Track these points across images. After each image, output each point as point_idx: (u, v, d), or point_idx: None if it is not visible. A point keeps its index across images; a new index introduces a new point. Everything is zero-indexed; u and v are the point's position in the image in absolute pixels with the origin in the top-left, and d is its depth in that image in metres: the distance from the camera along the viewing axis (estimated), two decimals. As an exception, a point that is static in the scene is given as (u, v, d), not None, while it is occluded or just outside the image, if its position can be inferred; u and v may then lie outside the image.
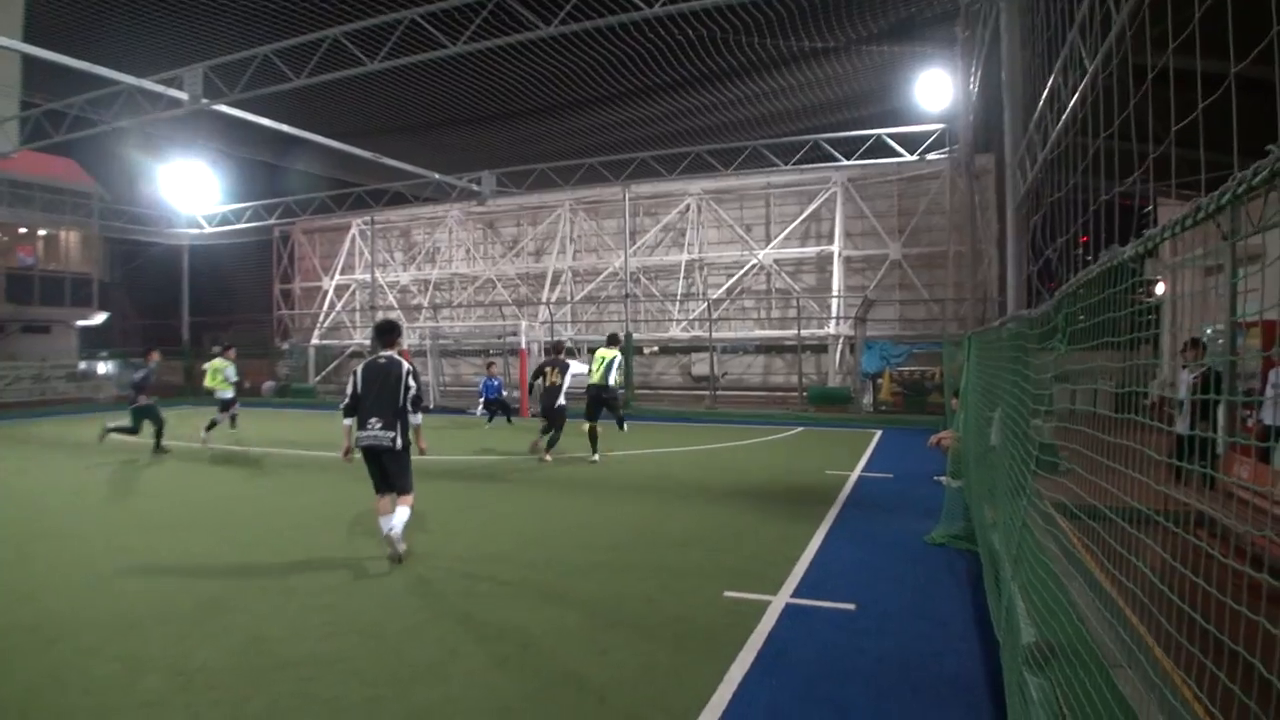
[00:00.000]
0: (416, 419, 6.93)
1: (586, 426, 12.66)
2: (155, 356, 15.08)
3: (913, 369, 19.91)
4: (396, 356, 7.01)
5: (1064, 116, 6.33)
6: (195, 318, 30.53)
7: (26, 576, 6.51)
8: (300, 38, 13.84)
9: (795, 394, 21.97)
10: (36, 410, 23.83)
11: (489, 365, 20.19)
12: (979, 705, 4.13)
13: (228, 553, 7.24)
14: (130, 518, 8.86)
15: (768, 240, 24.57)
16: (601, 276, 26.55)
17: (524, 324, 21.98)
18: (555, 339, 18.31)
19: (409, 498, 6.96)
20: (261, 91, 14.65)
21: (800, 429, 17.13)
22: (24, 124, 19.10)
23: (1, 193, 26.40)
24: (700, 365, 24.66)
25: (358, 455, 6.90)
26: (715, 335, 23.37)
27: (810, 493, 9.90)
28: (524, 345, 20.85)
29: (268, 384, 29.46)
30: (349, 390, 6.90)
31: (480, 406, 18.96)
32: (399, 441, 6.78)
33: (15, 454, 14.65)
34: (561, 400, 12.54)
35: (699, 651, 4.78)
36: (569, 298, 27.11)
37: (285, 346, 31.45)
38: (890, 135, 19.25)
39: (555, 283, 27.31)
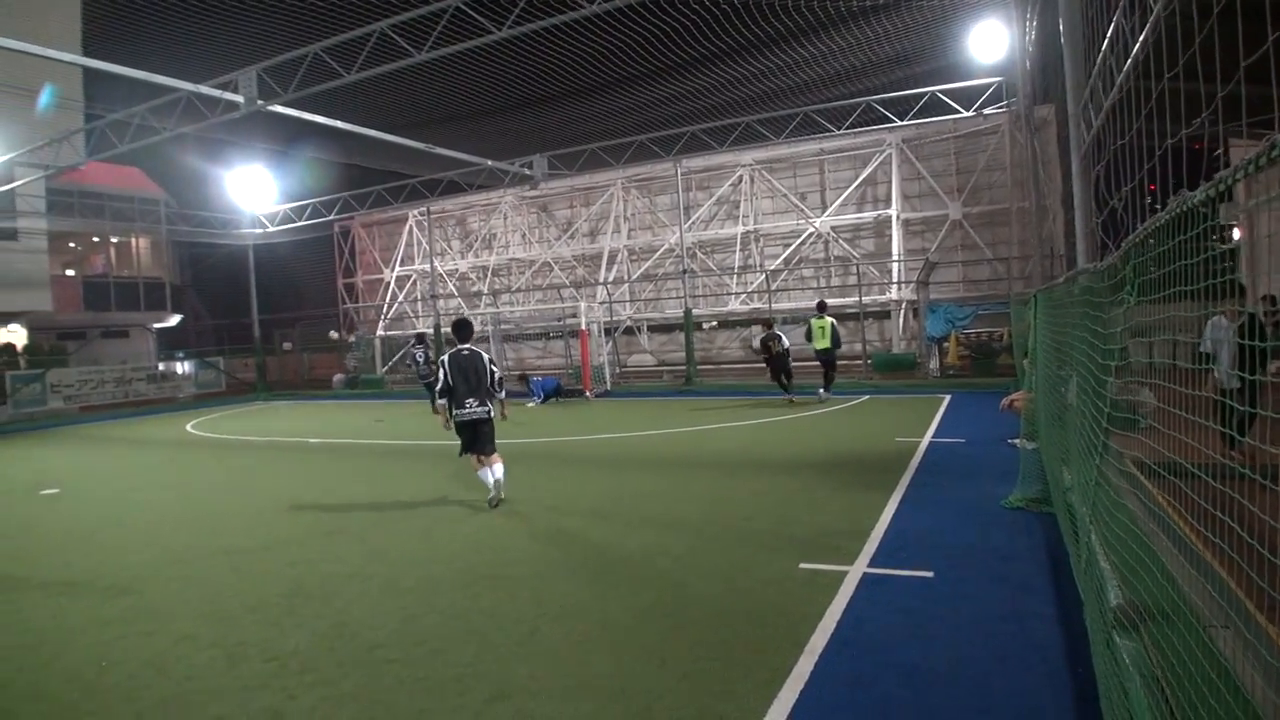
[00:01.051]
0: (501, 394, 8.94)
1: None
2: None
3: (979, 331, 19.48)
4: (475, 348, 8.76)
5: (1129, 60, 6.08)
6: (264, 315, 31.34)
7: (121, 569, 6.81)
8: (348, 34, 13.99)
9: (859, 362, 21.70)
10: (123, 411, 24.82)
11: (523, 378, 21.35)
12: (1062, 670, 4.07)
13: (309, 541, 7.48)
14: (213, 509, 9.19)
15: (823, 208, 24.22)
16: (658, 254, 26.50)
17: (583, 305, 22.07)
18: (766, 318, 18.85)
19: (497, 455, 8.83)
20: (314, 90, 14.86)
21: (866, 397, 16.93)
22: (90, 136, 19.73)
23: (73, 204, 27.37)
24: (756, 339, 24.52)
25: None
26: (774, 306, 23.16)
27: (881, 460, 9.79)
28: (584, 326, 20.94)
29: (337, 377, 30.16)
30: (442, 378, 8.61)
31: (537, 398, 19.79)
32: (490, 414, 8.70)
33: (105, 452, 15.27)
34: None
35: (778, 624, 4.79)
36: (626, 276, 27.14)
37: (351, 339, 32.12)
38: (945, 92, 18.71)
39: (611, 262, 27.35)
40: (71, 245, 31.97)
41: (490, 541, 7.09)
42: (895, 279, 22.82)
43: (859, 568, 5.71)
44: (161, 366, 30.25)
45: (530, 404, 19.83)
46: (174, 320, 34.54)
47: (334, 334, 33.76)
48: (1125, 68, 6.35)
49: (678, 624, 4.89)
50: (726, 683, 4.07)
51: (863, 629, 4.66)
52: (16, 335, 26.54)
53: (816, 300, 18.04)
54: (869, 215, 23.60)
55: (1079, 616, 4.55)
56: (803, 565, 5.82)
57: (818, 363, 16.90)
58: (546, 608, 5.32)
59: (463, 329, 8.93)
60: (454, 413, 8.62)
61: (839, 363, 17.55)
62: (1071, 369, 5.41)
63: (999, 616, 4.76)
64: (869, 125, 20.61)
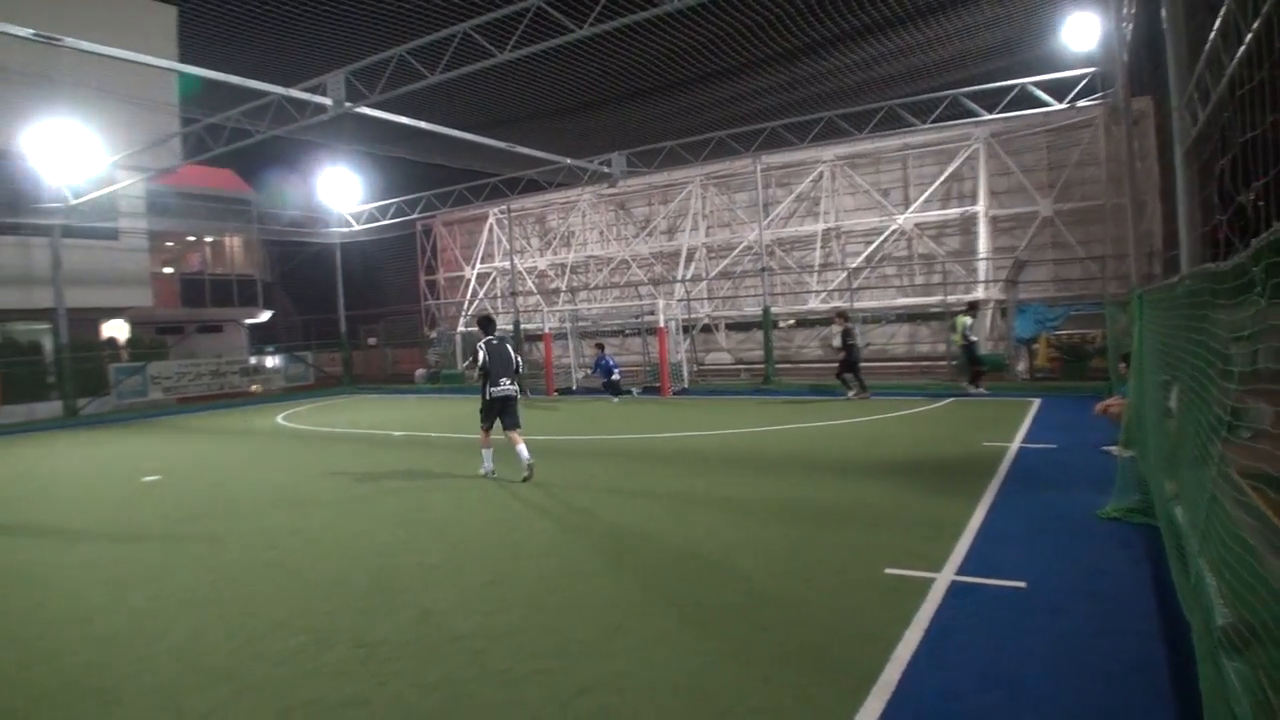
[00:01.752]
0: (520, 375, 10.59)
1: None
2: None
3: (1071, 332, 18.81)
4: (504, 338, 10.42)
5: (1241, 47, 5.76)
6: (350, 311, 32.23)
7: (216, 554, 7.07)
8: (432, 35, 14.25)
9: (943, 363, 21.20)
10: (217, 403, 25.85)
11: (599, 345, 21.36)
12: (1163, 690, 3.88)
13: (394, 531, 7.65)
14: (302, 499, 9.47)
15: (907, 204, 23.72)
16: (736, 251, 26.34)
17: (660, 302, 22.07)
18: (842, 310, 19.15)
19: (520, 432, 10.10)
20: (399, 91, 15.18)
21: (950, 399, 16.51)
22: (186, 139, 20.54)
23: (170, 204, 28.55)
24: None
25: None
26: (855, 305, 22.78)
27: (967, 465, 9.53)
28: (662, 324, 20.94)
29: (419, 371, 30.81)
30: (481, 360, 10.05)
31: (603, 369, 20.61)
32: (518, 393, 10.31)
33: (201, 441, 15.90)
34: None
35: (863, 629, 4.69)
36: (704, 274, 27.05)
37: (433, 335, 32.77)
38: (1036, 84, 18.08)
39: (689, 260, 27.31)
40: (169, 244, 33.34)
41: (568, 538, 7.14)
42: (982, 278, 22.21)
43: (947, 575, 5.56)
44: (253, 360, 31.37)
45: (616, 400, 20.05)
46: (265, 316, 35.76)
47: (371, 340, 34.61)
48: (1237, 55, 6.03)
49: (759, 625, 4.83)
50: (810, 687, 4.00)
51: (952, 639, 4.53)
52: (119, 330, 27.83)
53: (967, 303, 18.77)
54: (954, 212, 23.02)
55: (1182, 635, 4.34)
56: (888, 570, 5.69)
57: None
58: (626, 604, 5.32)
59: (487, 323, 10.49)
60: (490, 390, 10.07)
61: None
62: (1176, 374, 5.16)
63: (1097, 632, 4.57)
64: (955, 119, 20.07)
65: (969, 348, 17.32)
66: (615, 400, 20.26)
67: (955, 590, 5.27)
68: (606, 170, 22.89)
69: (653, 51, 16.95)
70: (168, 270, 33.05)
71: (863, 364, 21.98)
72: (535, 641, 4.76)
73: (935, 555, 5.99)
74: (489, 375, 10.06)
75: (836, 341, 17.73)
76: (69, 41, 13.40)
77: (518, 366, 10.39)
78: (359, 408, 21.41)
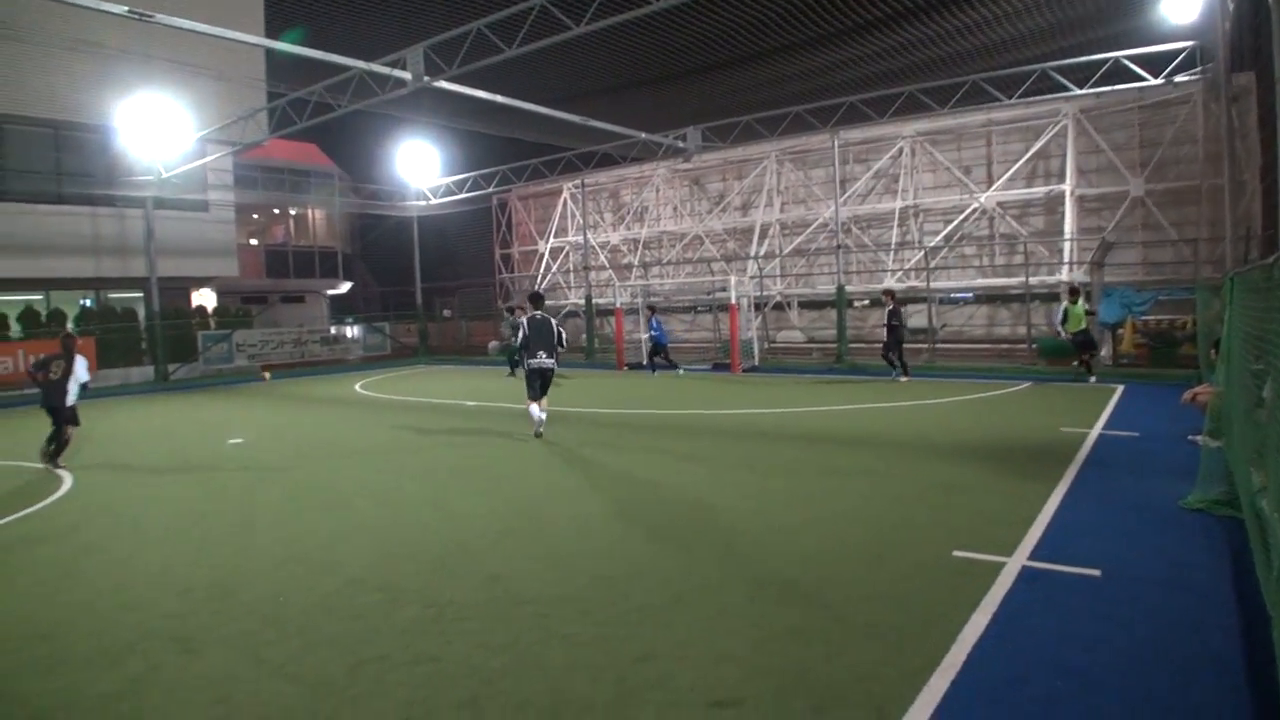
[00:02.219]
0: (562, 349, 11.34)
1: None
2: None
3: (1159, 318, 18.06)
4: (548, 315, 11.29)
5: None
6: (426, 284, 32.87)
7: (296, 515, 7.34)
8: (510, 9, 14.31)
9: (1023, 346, 20.61)
10: (297, 370, 26.71)
11: (651, 309, 21.79)
12: (1240, 685, 3.75)
13: (466, 498, 7.83)
14: (379, 464, 9.75)
15: (989, 182, 23.03)
16: (811, 228, 25.98)
17: (733, 279, 21.94)
18: (890, 289, 18.95)
19: (546, 401, 11.29)
20: (476, 65, 15.31)
21: (1028, 384, 16.06)
22: (272, 114, 21.10)
23: (257, 178, 29.43)
24: (917, 317, 23.62)
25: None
26: (933, 285, 22.26)
27: (1044, 450, 9.29)
28: (733, 300, 20.82)
29: (492, 344, 31.28)
30: (521, 335, 11.16)
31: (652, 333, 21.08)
32: (555, 366, 11.24)
33: (284, 407, 16.45)
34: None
35: (929, 611, 4.63)
36: (777, 251, 26.76)
37: (506, 308, 33.20)
38: (1130, 57, 17.30)
39: (763, 236, 27.04)
40: (255, 216, 34.42)
41: (634, 510, 7.20)
42: (1066, 259, 21.47)
43: (1018, 560, 5.44)
44: (333, 330, 32.28)
45: (680, 372, 20.17)
46: (345, 287, 36.75)
47: (446, 312, 35.09)
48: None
49: (823, 602, 4.82)
50: (874, 665, 3.98)
51: (1020, 624, 4.44)
52: (207, 299, 28.90)
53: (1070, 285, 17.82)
54: (1039, 191, 22.26)
55: (1263, 630, 4.17)
56: (956, 553, 5.60)
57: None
58: (691, 576, 5.36)
59: (537, 299, 11.78)
60: (527, 362, 11.07)
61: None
62: (1272, 361, 4.93)
63: (1173, 624, 4.43)
64: (1043, 94, 19.36)
65: (1085, 333, 16.21)
66: (654, 374, 20.64)
67: (1026, 575, 5.16)
68: (681, 145, 22.77)
69: (730, 23, 16.73)
70: (253, 242, 34.12)
71: (940, 345, 21.63)
72: (599, 608, 4.84)
73: (1007, 540, 5.87)
74: (527, 348, 11.04)
75: (886, 314, 17.56)
76: (161, 18, 13.86)
77: (560, 340, 11.21)
78: (433, 378, 21.86)
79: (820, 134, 22.87)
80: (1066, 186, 21.56)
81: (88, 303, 25.56)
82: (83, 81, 22.91)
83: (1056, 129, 21.77)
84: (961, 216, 23.30)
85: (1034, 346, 19.86)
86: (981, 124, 22.97)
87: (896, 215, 24.32)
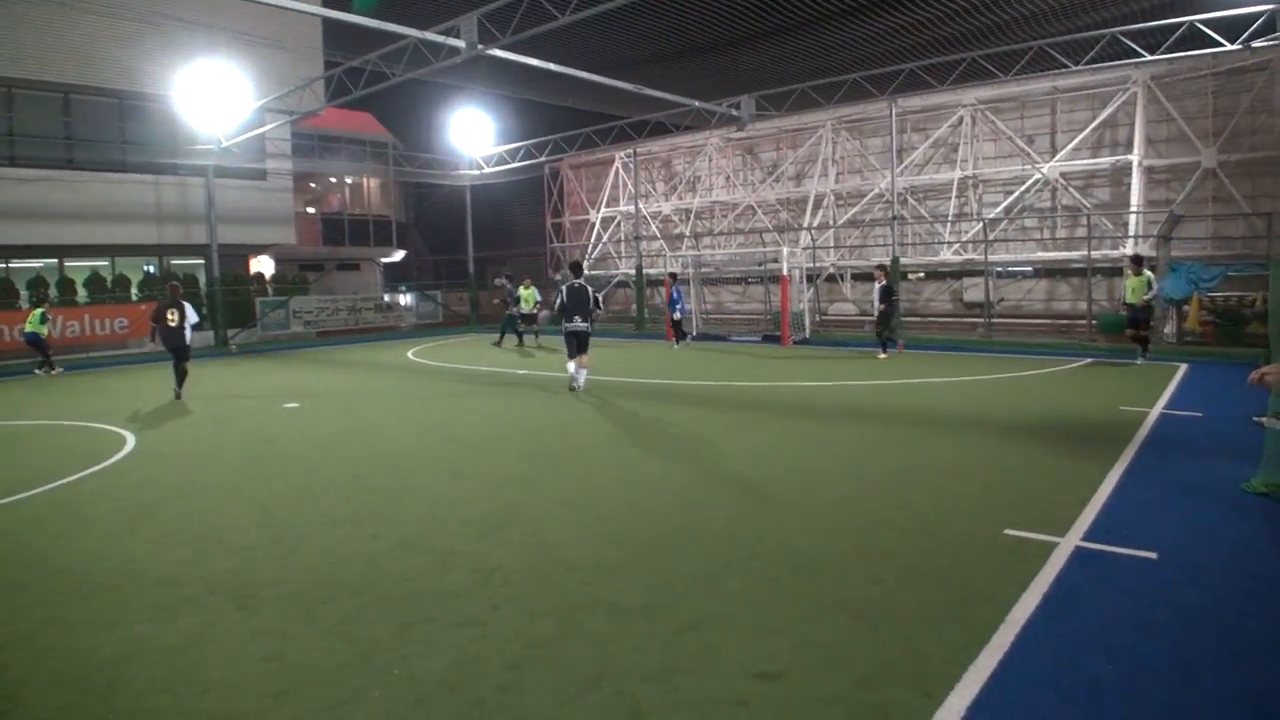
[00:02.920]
0: (599, 314, 13.13)
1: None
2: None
3: (1227, 294, 17.42)
4: (584, 282, 12.79)
5: None
6: (478, 253, 33.09)
7: (349, 478, 7.49)
8: (560, -26, 14.20)
9: (1083, 322, 20.08)
10: (353, 337, 27.18)
11: (672, 275, 21.91)
12: (1310, 674, 3.64)
13: (514, 465, 7.91)
14: (430, 429, 9.90)
15: (1053, 152, 22.35)
16: (866, 199, 25.52)
17: (785, 250, 21.70)
18: (880, 264, 19.04)
19: (587, 357, 12.81)
20: (530, 33, 15.25)
21: (1088, 360, 15.67)
22: (328, 83, 21.31)
23: (314, 147, 29.79)
24: (973, 291, 23.13)
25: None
26: (991, 258, 21.76)
27: (1101, 429, 9.06)
28: (785, 272, 20.61)
29: (544, 313, 31.43)
30: (558, 302, 12.82)
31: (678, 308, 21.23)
32: (589, 328, 12.72)
33: (339, 373, 16.77)
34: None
35: (978, 589, 4.57)
36: (831, 221, 26.37)
37: (557, 277, 33.30)
38: (1205, 22, 16.56)
39: (817, 207, 26.66)
40: (312, 185, 34.90)
41: (682, 479, 7.21)
42: (1131, 233, 20.80)
43: (1071, 540, 5.33)
44: (386, 297, 32.74)
45: (676, 346, 20.72)
46: (399, 255, 37.16)
47: (498, 281, 35.35)
48: None
49: (871, 576, 4.78)
50: (921, 642, 3.94)
51: (1073, 605, 4.36)
52: (265, 266, 29.48)
53: (1132, 254, 16.84)
54: (1105, 161, 21.55)
55: (1334, 617, 4.04)
56: (1008, 531, 5.51)
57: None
58: (737, 547, 5.36)
59: (576, 268, 13.47)
60: (564, 325, 12.66)
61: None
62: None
63: (1234, 610, 4.30)
64: (1112, 60, 18.67)
65: (1146, 308, 15.21)
66: (676, 346, 20.61)
67: (1079, 556, 5.06)
68: (735, 113, 22.48)
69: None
70: (310, 210, 34.65)
71: (997, 319, 21.16)
72: (646, 576, 4.87)
73: (1060, 519, 5.75)
74: (565, 312, 12.62)
75: (876, 295, 17.33)
76: (223, -13, 14.01)
77: (596, 303, 12.78)
78: (483, 346, 22.05)
79: (878, 102, 22.40)
80: (1134, 157, 20.84)
81: (151, 269, 26.26)
82: (148, 52, 23.39)
83: (1125, 97, 21.01)
84: (1023, 188, 22.68)
85: (1094, 322, 19.34)
86: (1046, 91, 22.26)
87: (955, 186, 23.77)
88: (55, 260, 24.25)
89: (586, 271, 32.71)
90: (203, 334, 24.62)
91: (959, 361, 15.90)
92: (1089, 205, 21.59)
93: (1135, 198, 20.80)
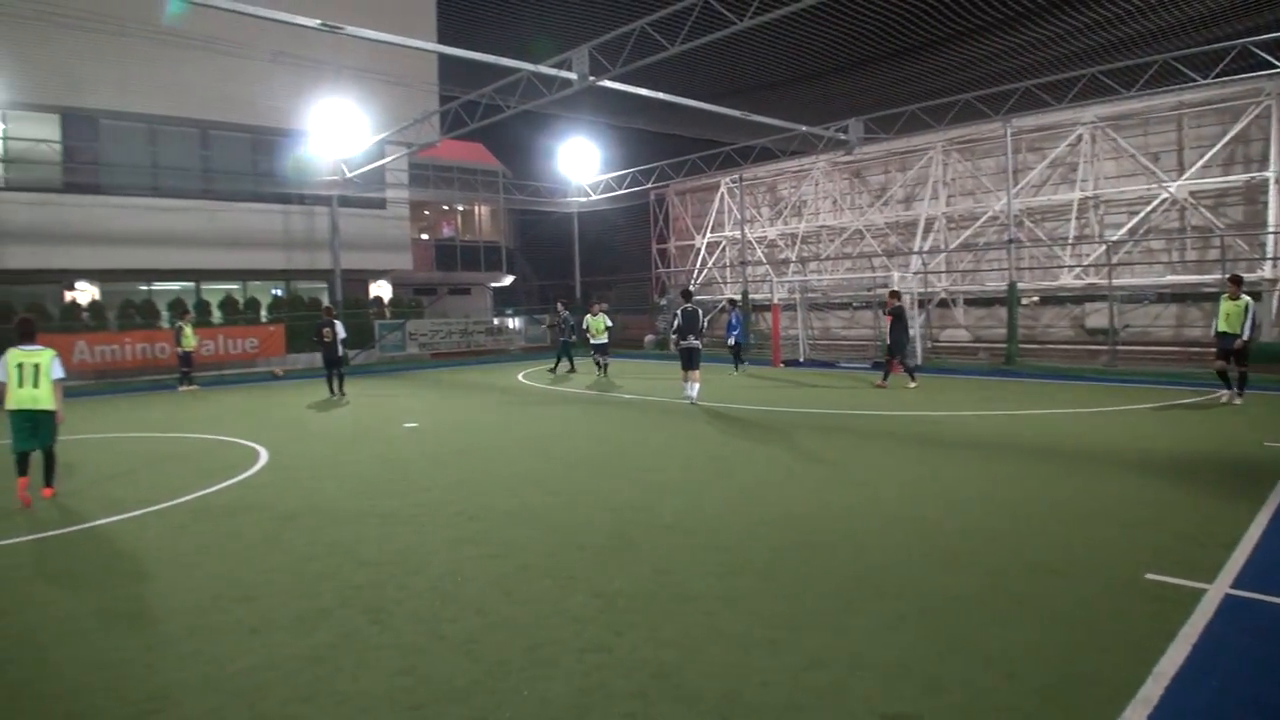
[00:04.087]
0: (705, 334, 14.79)
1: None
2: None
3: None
4: (696, 306, 14.63)
5: None
6: (585, 277, 33.63)
7: (469, 497, 7.67)
8: (673, 6, 14.41)
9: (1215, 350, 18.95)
10: (465, 359, 27.96)
11: (731, 303, 22.18)
12: None
13: (628, 490, 7.99)
14: (542, 452, 10.07)
15: (1180, 170, 21.27)
16: (979, 222, 24.79)
17: (895, 275, 21.29)
18: (893, 289, 18.31)
19: (699, 373, 14.60)
20: (639, 64, 15.51)
21: (1225, 391, 14.76)
22: (444, 116, 22.13)
23: (429, 177, 30.93)
24: (1096, 317, 22.16)
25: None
26: (1115, 282, 20.82)
27: (1246, 467, 8.52)
28: (895, 297, 20.19)
29: (648, 337, 31.66)
30: (676, 322, 14.51)
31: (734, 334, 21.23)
32: (700, 346, 14.48)
33: (453, 394, 17.26)
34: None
35: (1118, 637, 4.35)
36: (943, 245, 25.74)
37: (663, 302, 33.50)
38: (1352, 30, 15.56)
39: (927, 230, 26.07)
40: (426, 213, 36.20)
41: (801, 511, 7.11)
42: (1270, 253, 19.59)
43: (1220, 587, 5.02)
44: (496, 321, 33.58)
45: (736, 371, 20.72)
46: (508, 280, 38.12)
47: (557, 309, 35.60)
48: None
49: (1003, 619, 4.61)
50: (1062, 692, 3.78)
51: (1223, 659, 4.10)
52: (383, 290, 30.66)
53: (1232, 274, 14.45)
54: (1238, 178, 20.38)
55: None
56: (1150, 576, 5.22)
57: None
58: (862, 582, 5.26)
59: (687, 294, 15.20)
60: (680, 343, 14.42)
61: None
62: None
63: None
64: (1243, 73, 17.71)
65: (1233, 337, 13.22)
66: (736, 371, 20.59)
67: (1228, 605, 4.76)
68: (843, 137, 22.28)
69: (894, 13, 16.24)
70: (424, 236, 35.91)
71: (1121, 347, 20.19)
72: (768, 609, 4.82)
73: (1205, 564, 5.42)
74: (680, 332, 14.37)
75: (885, 314, 16.72)
76: (349, 30, 14.78)
77: (702, 328, 14.82)
78: (591, 370, 22.34)
79: (991, 122, 21.82)
80: (1270, 173, 19.63)
81: (279, 292, 27.65)
82: (278, 90, 24.78)
83: (1258, 110, 19.85)
84: (1148, 208, 21.65)
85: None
86: (1171, 106, 21.25)
87: (1074, 207, 22.87)
88: (193, 283, 25.80)
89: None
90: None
91: (1081, 391, 15.24)
92: (1221, 225, 20.45)
93: (1273, 216, 19.59)
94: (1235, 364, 13.23)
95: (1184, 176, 21.04)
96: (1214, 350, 13.95)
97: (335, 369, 17.38)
